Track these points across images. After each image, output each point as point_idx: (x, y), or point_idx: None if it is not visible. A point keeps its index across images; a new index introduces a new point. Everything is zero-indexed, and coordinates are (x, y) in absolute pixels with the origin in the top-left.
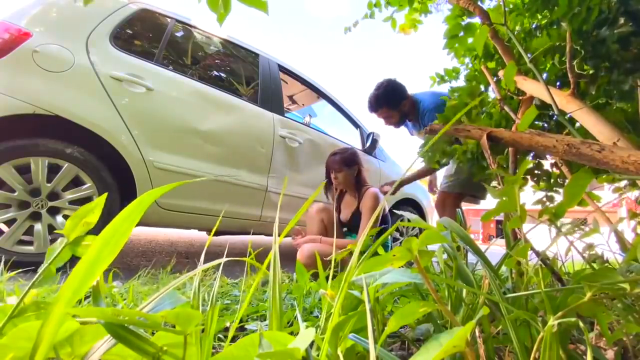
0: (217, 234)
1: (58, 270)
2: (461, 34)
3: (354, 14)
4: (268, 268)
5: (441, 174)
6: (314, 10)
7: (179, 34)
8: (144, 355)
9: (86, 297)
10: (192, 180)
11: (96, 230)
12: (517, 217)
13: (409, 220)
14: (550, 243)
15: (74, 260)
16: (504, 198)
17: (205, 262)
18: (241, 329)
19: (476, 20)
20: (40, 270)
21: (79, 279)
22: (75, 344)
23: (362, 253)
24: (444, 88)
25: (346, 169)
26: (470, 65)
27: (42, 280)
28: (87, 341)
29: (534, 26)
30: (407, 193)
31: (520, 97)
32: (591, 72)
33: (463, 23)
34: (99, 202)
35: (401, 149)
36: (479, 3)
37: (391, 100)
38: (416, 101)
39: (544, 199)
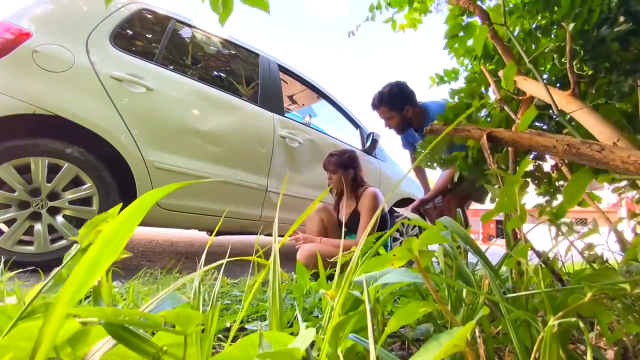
0: (217, 234)
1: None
2: (461, 34)
3: (352, 14)
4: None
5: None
6: (314, 11)
7: (179, 34)
8: (144, 356)
9: (86, 297)
10: (195, 181)
11: None
12: (517, 217)
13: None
14: (552, 246)
15: None
16: (504, 198)
17: (205, 262)
18: (241, 329)
19: (476, 19)
20: (50, 275)
21: (80, 279)
22: (75, 345)
23: (363, 253)
24: (443, 89)
25: (340, 172)
26: (470, 66)
27: (53, 285)
28: (87, 341)
29: (534, 26)
30: (406, 193)
31: (520, 97)
32: (591, 72)
33: (463, 23)
34: (113, 212)
35: (401, 149)
36: (478, 3)
37: (393, 101)
38: (425, 109)
39: (545, 203)
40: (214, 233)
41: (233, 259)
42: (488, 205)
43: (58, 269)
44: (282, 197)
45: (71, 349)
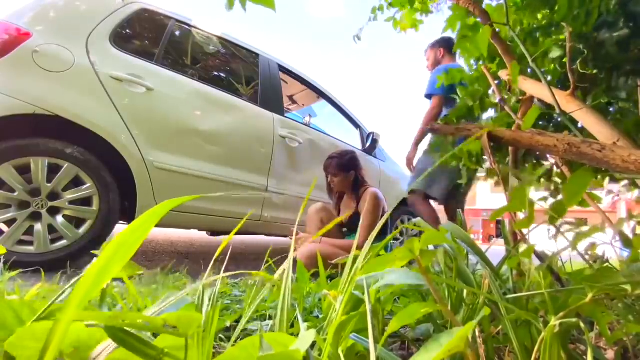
0: (217, 234)
1: (57, 269)
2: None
3: (350, 14)
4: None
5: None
6: (313, 12)
7: (179, 34)
8: (146, 358)
9: None
10: (216, 194)
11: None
12: (526, 219)
13: (409, 220)
14: (558, 251)
15: (73, 260)
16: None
17: (206, 262)
18: (241, 329)
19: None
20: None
21: (90, 283)
22: (79, 346)
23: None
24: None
25: (342, 174)
26: (474, 66)
27: (46, 281)
28: (91, 343)
29: (535, 28)
30: (405, 193)
31: (520, 97)
32: (592, 73)
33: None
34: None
35: (401, 149)
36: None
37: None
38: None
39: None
40: (230, 236)
41: (240, 272)
42: (487, 202)
43: (77, 278)
44: (306, 202)
45: (75, 350)
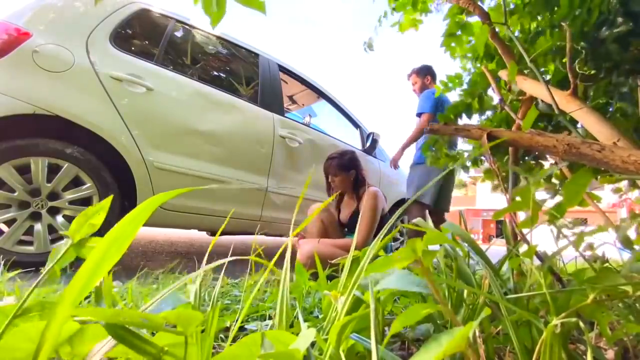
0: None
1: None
2: (458, 32)
3: (351, 16)
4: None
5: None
6: (314, 13)
7: (178, 34)
8: (146, 356)
9: (85, 298)
10: (200, 187)
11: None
12: (528, 219)
13: (409, 222)
14: (558, 250)
15: (75, 260)
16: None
17: (206, 262)
18: (241, 329)
19: (474, 19)
20: (44, 271)
21: (83, 280)
22: (75, 344)
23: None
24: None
25: (343, 174)
26: (472, 70)
27: (46, 281)
28: (87, 341)
29: (537, 30)
30: (403, 193)
31: (520, 98)
32: (592, 72)
33: (461, 22)
34: (105, 204)
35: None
36: (479, 3)
37: None
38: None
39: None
40: (218, 234)
41: (233, 258)
42: (483, 203)
43: (50, 264)
44: (300, 201)
45: (70, 348)
